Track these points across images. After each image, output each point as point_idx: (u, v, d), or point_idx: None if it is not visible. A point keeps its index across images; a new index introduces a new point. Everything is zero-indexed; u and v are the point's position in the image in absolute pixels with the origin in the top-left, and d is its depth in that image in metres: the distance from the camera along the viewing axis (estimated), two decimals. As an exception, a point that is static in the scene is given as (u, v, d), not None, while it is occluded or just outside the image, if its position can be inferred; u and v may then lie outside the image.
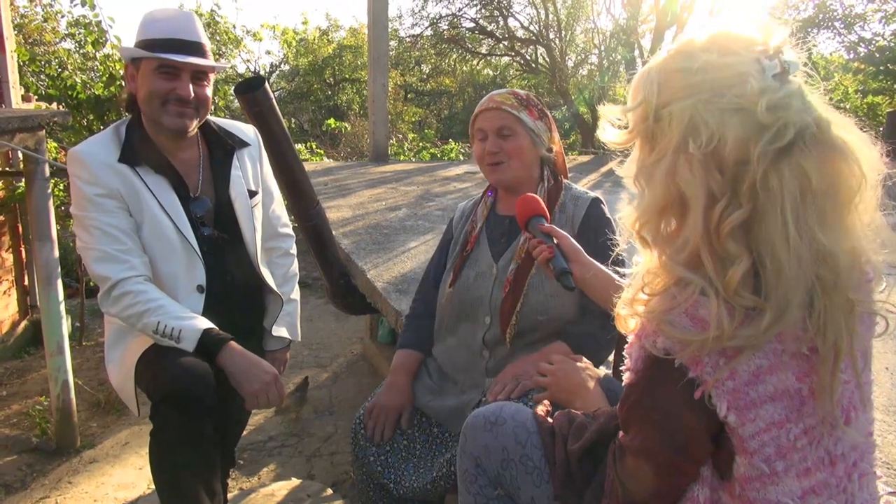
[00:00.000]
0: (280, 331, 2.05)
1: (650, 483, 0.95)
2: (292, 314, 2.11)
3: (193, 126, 1.82)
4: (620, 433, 1.01)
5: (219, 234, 1.87)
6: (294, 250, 2.18)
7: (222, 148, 1.92)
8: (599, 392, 1.34)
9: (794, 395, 0.87)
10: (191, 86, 1.75)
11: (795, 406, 0.87)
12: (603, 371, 1.50)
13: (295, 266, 2.17)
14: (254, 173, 1.99)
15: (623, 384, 0.99)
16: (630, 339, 0.96)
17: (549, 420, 1.23)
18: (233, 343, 1.71)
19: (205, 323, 1.70)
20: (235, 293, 1.94)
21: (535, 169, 1.75)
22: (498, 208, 1.83)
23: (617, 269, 1.28)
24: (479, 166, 1.80)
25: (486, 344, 1.70)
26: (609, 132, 0.99)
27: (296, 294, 2.15)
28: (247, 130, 2.02)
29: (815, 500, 0.91)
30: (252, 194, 1.96)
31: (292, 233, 2.18)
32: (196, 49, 1.74)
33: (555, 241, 1.39)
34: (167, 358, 1.66)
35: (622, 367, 0.98)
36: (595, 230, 1.67)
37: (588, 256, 1.40)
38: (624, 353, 0.98)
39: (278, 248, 2.13)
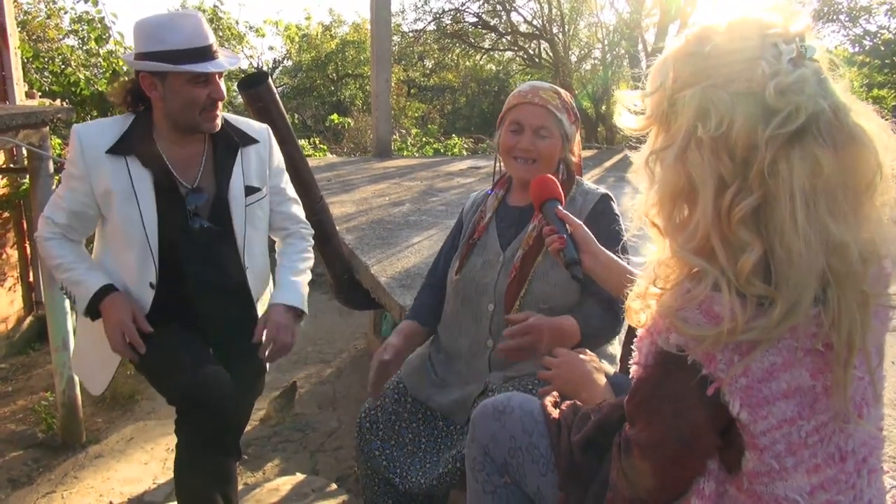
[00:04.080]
0: (278, 295, 1.99)
1: (655, 477, 0.95)
2: (298, 283, 2.04)
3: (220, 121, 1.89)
4: (626, 426, 1.01)
5: (209, 227, 1.90)
6: (311, 243, 2.16)
7: (227, 143, 1.93)
8: (606, 384, 1.34)
9: (808, 392, 0.86)
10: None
11: (808, 403, 0.86)
12: (607, 366, 1.50)
13: (309, 252, 2.14)
14: (259, 170, 1.99)
15: (631, 378, 0.98)
16: (640, 333, 0.95)
17: (556, 411, 1.23)
18: (114, 295, 1.83)
19: (95, 286, 1.83)
20: (227, 283, 1.97)
21: (554, 168, 1.77)
22: (509, 199, 1.83)
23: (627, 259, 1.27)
24: (502, 154, 1.78)
25: (490, 333, 1.70)
26: (626, 118, 0.98)
27: (305, 271, 2.09)
28: (257, 128, 2.03)
29: (824, 495, 0.90)
30: (253, 190, 1.96)
31: (311, 230, 2.17)
32: (214, 51, 1.80)
33: (568, 228, 1.39)
34: (185, 364, 1.79)
35: (631, 361, 0.97)
36: (599, 223, 1.67)
37: (600, 246, 1.39)
38: (633, 347, 0.97)
39: (293, 235, 2.12)
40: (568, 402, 1.27)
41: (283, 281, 2.02)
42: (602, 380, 1.34)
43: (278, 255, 2.10)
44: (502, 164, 1.83)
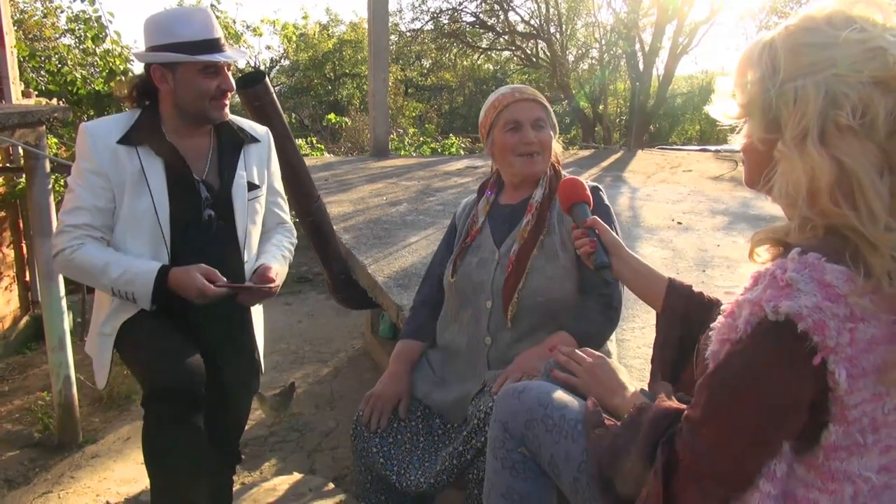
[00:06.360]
0: (263, 257, 2.02)
1: (730, 460, 0.92)
2: (281, 261, 2.06)
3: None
4: (689, 409, 0.97)
5: (217, 218, 1.94)
6: (292, 239, 2.19)
7: (232, 140, 1.97)
8: (637, 393, 1.27)
9: None
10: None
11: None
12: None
13: (291, 248, 2.17)
14: (259, 169, 2.04)
15: (707, 355, 0.95)
16: (726, 306, 0.93)
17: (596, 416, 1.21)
18: (173, 271, 1.81)
19: (150, 281, 1.78)
20: (225, 274, 1.95)
21: (551, 160, 1.80)
22: (500, 199, 1.85)
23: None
24: (500, 155, 1.77)
25: (489, 330, 1.71)
26: (724, 105, 0.99)
27: (286, 259, 2.11)
28: (259, 129, 2.09)
29: (886, 476, 0.91)
30: (254, 187, 2.01)
31: (294, 234, 2.21)
32: (223, 44, 1.86)
33: (596, 232, 1.40)
34: (158, 347, 1.78)
35: (716, 336, 0.94)
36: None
37: (628, 250, 1.41)
38: (711, 326, 0.95)
39: (279, 232, 2.17)
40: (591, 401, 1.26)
41: (268, 258, 2.03)
42: (633, 388, 1.29)
43: (265, 242, 2.12)
44: (496, 167, 1.85)
